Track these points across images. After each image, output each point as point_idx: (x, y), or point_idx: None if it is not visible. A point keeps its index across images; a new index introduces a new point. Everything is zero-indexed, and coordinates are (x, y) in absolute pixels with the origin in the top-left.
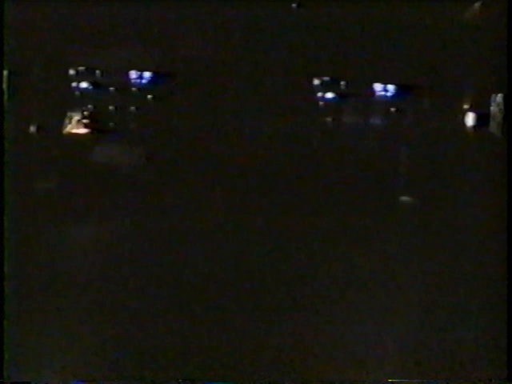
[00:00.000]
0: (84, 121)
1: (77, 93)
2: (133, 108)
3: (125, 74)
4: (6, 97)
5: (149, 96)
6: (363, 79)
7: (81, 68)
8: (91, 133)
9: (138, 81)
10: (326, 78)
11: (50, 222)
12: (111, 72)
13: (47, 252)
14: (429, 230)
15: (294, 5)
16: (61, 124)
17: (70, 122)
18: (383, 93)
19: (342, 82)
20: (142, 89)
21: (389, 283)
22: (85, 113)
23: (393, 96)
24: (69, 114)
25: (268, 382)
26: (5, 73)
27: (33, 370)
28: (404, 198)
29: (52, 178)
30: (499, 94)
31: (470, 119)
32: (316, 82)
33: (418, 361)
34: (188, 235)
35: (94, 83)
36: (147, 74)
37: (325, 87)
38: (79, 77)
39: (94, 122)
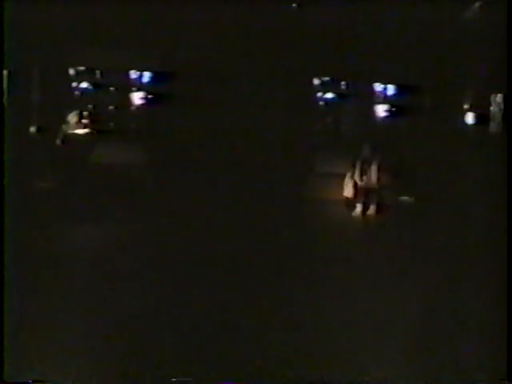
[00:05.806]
0: (84, 121)
1: (77, 93)
2: (133, 108)
3: (125, 74)
4: (5, 97)
5: (149, 96)
6: (363, 79)
7: (81, 68)
8: (91, 133)
9: (138, 80)
10: (326, 78)
11: (49, 221)
12: (111, 72)
13: (47, 251)
14: (428, 229)
15: (294, 5)
16: (61, 124)
17: (69, 123)
18: (383, 92)
19: (342, 82)
20: (142, 89)
21: (389, 285)
22: (84, 113)
23: (393, 96)
24: (69, 114)
25: (268, 382)
26: (5, 73)
27: (33, 369)
28: (404, 198)
29: (52, 178)
30: (499, 94)
31: (469, 119)
32: (316, 81)
33: (418, 361)
34: (188, 234)
35: (93, 83)
36: (147, 74)
37: (325, 87)
38: (79, 77)
39: (93, 122)
